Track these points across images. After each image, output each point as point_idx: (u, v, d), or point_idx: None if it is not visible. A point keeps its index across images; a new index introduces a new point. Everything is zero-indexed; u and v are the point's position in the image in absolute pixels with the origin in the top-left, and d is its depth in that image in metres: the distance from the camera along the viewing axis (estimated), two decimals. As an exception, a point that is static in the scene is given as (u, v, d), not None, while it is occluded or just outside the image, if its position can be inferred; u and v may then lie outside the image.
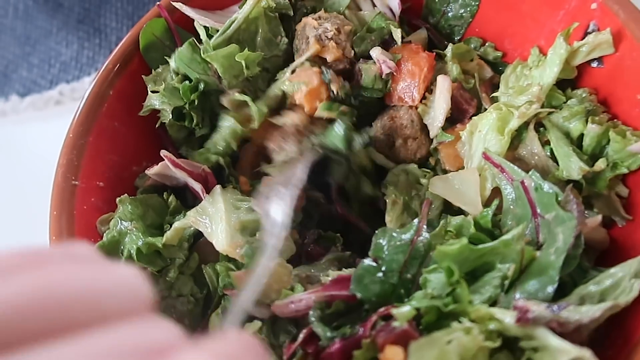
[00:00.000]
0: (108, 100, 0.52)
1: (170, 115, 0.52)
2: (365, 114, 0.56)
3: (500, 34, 0.58)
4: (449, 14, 0.60)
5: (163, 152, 0.51)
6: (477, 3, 0.57)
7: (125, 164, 0.54)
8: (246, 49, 0.52)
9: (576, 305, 0.35)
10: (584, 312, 0.34)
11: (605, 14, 0.46)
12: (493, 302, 0.39)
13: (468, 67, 0.57)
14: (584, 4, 0.48)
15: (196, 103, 0.52)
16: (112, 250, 0.46)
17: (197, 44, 0.51)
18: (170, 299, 0.48)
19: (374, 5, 0.58)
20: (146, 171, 0.52)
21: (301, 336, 0.41)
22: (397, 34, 0.55)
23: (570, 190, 0.41)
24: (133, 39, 0.53)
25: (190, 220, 0.47)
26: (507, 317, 0.35)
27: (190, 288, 0.49)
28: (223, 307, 0.48)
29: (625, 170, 0.44)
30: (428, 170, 0.53)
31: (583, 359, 0.32)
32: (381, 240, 0.44)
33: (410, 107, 0.54)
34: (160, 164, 0.52)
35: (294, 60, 0.55)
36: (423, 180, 0.52)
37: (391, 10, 0.59)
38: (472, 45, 0.59)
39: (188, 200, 0.55)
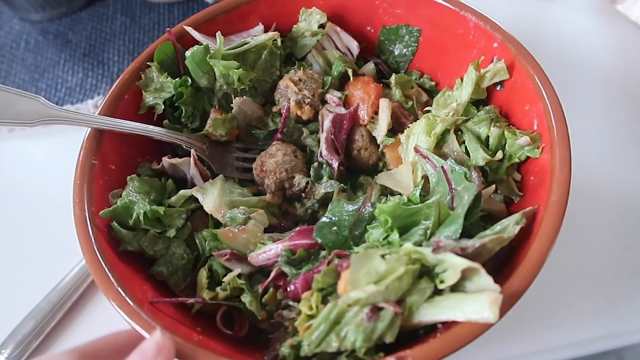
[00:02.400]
0: (122, 102, 0.65)
1: (163, 106, 0.66)
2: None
3: (434, 68, 0.75)
4: (395, 52, 0.77)
5: (192, 152, 0.65)
6: (416, 44, 0.75)
7: (132, 155, 0.66)
8: (244, 67, 0.68)
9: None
10: (477, 240, 0.47)
11: (503, 50, 0.63)
12: (418, 246, 0.51)
13: (409, 92, 0.74)
14: (489, 44, 0.65)
15: (185, 97, 0.66)
16: (124, 213, 0.57)
17: (209, 49, 0.65)
18: (167, 255, 0.59)
19: (336, 46, 0.75)
20: (163, 159, 0.65)
21: (272, 274, 0.53)
22: (350, 72, 0.72)
23: (474, 168, 0.56)
24: (146, 56, 0.67)
25: (192, 191, 0.60)
26: (425, 250, 0.48)
27: (184, 249, 0.60)
28: (209, 265, 0.59)
29: (517, 160, 0.59)
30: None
31: (472, 267, 0.44)
32: (335, 207, 0.57)
33: (360, 125, 0.69)
34: (183, 159, 0.65)
35: (273, 90, 0.71)
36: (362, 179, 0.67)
37: (350, 50, 0.76)
38: (413, 77, 0.76)
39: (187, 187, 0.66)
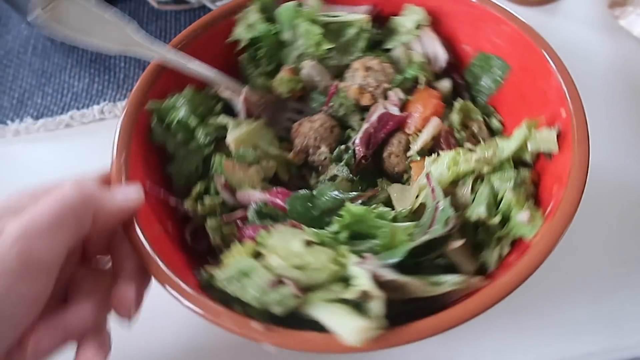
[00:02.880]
0: (193, 44, 0.71)
1: (246, 42, 0.72)
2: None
3: (506, 111, 0.71)
4: (482, 81, 0.74)
5: (244, 90, 0.71)
6: (502, 80, 0.71)
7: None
8: (327, 36, 0.72)
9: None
10: (397, 276, 0.48)
11: (568, 121, 0.58)
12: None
13: (470, 123, 0.71)
14: (557, 110, 0.60)
15: (267, 43, 0.73)
16: (164, 111, 0.67)
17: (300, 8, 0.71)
18: (183, 160, 0.68)
19: (424, 50, 0.74)
20: (222, 85, 0.72)
21: (238, 213, 0.60)
22: (421, 80, 0.71)
23: (455, 215, 0.54)
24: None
25: (227, 120, 0.68)
26: (352, 258, 0.50)
27: (198, 162, 0.68)
28: (207, 183, 0.67)
29: (512, 236, 0.56)
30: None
31: (371, 293, 0.46)
32: (325, 188, 0.60)
33: (404, 133, 0.70)
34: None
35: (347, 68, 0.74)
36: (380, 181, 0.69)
37: (436, 60, 0.75)
38: (486, 111, 0.73)
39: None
